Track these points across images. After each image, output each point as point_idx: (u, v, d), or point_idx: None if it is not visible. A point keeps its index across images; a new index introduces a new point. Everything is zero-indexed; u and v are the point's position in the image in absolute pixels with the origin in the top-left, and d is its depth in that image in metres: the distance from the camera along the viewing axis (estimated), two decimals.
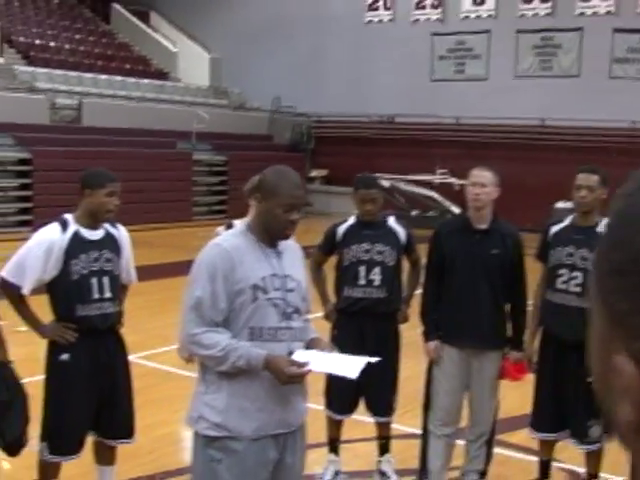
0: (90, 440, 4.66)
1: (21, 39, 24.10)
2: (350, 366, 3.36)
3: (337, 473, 5.54)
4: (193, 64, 27.30)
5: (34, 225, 16.86)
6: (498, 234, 4.98)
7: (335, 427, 5.55)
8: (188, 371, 6.91)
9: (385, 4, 24.99)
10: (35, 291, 4.48)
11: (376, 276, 5.29)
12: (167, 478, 5.46)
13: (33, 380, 4.37)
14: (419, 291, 5.34)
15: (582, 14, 21.83)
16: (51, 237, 4.39)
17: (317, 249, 5.59)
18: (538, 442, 5.28)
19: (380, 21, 25.10)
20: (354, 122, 24.66)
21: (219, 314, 3.29)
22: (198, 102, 24.54)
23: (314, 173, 24.65)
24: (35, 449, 4.46)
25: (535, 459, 5.43)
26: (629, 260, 0.69)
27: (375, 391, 5.29)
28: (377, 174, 10.25)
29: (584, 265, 4.85)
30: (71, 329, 4.41)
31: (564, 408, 4.98)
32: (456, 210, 19.15)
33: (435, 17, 24.20)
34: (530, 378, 5.19)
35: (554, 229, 5.07)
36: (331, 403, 5.45)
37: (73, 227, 4.45)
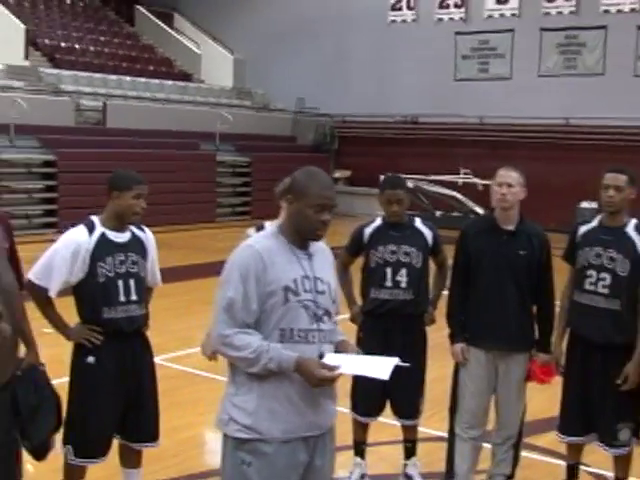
0: (116, 443, 4.66)
1: (46, 42, 24.29)
2: (381, 367, 3.33)
3: (363, 476, 5.51)
4: (217, 65, 27.39)
5: (59, 227, 17.00)
6: (525, 235, 4.93)
7: (361, 430, 5.52)
8: (213, 373, 6.93)
9: (408, 4, 24.96)
10: (61, 293, 4.48)
11: (403, 278, 5.26)
12: None
13: (58, 382, 4.37)
14: (446, 292, 5.30)
15: (606, 12, 21.71)
16: (78, 239, 4.39)
17: (343, 250, 5.55)
18: (565, 445, 5.22)
19: (403, 21, 25.07)
20: (377, 122, 24.64)
21: (251, 315, 3.28)
22: (222, 103, 24.63)
23: (337, 174, 24.63)
24: (60, 452, 4.46)
25: (562, 463, 5.37)
26: None
27: (402, 394, 5.26)
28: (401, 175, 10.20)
29: (612, 266, 4.80)
30: (97, 332, 4.41)
31: (592, 411, 4.92)
32: (480, 210, 19.07)
33: (458, 16, 24.15)
34: (557, 380, 5.13)
35: (582, 229, 5.01)
36: (357, 406, 5.43)
37: (100, 229, 4.45)
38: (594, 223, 5.01)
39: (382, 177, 5.98)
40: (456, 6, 24.17)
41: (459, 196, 20.89)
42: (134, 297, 4.49)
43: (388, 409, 5.46)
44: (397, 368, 3.34)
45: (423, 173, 21.01)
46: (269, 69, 26.38)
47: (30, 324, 4.18)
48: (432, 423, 6.12)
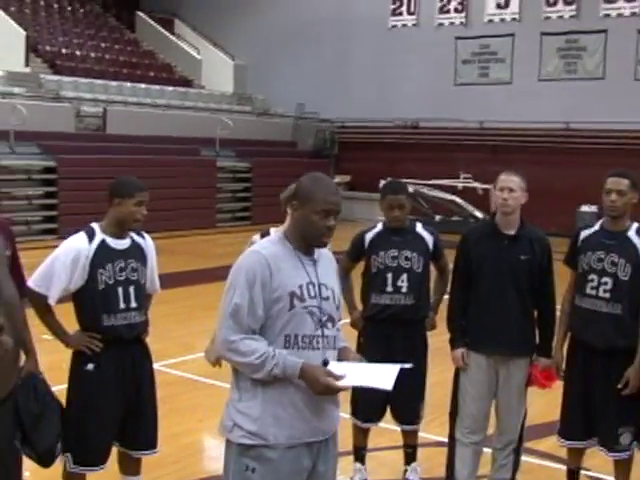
0: (115, 450, 4.64)
1: (47, 48, 24.33)
2: (384, 376, 3.33)
3: None
4: (217, 71, 27.41)
5: (59, 233, 17.00)
6: (526, 239, 4.93)
7: (361, 435, 5.51)
8: (213, 379, 6.93)
9: (409, 9, 24.98)
10: (60, 300, 4.47)
11: (404, 283, 5.25)
12: None
13: (57, 389, 4.36)
14: (447, 297, 5.29)
15: (607, 16, 21.72)
16: (78, 247, 4.38)
17: (344, 256, 5.54)
18: (566, 450, 5.20)
19: (404, 26, 25.09)
20: (378, 127, 24.64)
21: (256, 321, 3.28)
22: (222, 109, 24.62)
23: (338, 179, 24.60)
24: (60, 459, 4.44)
25: (563, 467, 5.36)
26: None
27: (402, 399, 5.23)
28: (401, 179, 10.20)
29: (614, 270, 4.79)
30: (96, 339, 4.39)
31: (593, 415, 4.90)
32: (480, 215, 19.09)
33: (459, 21, 24.16)
34: (557, 384, 5.12)
35: (584, 234, 5.00)
36: (358, 412, 5.42)
37: (100, 236, 4.43)
38: (596, 227, 5.00)
39: (383, 182, 5.98)
40: (456, 11, 24.19)
41: (459, 200, 20.90)
42: (134, 304, 4.48)
43: (388, 414, 5.45)
44: (399, 373, 3.34)
45: (423, 178, 21.01)
46: (269, 74, 26.41)
47: (30, 332, 4.17)
48: (432, 428, 6.10)
